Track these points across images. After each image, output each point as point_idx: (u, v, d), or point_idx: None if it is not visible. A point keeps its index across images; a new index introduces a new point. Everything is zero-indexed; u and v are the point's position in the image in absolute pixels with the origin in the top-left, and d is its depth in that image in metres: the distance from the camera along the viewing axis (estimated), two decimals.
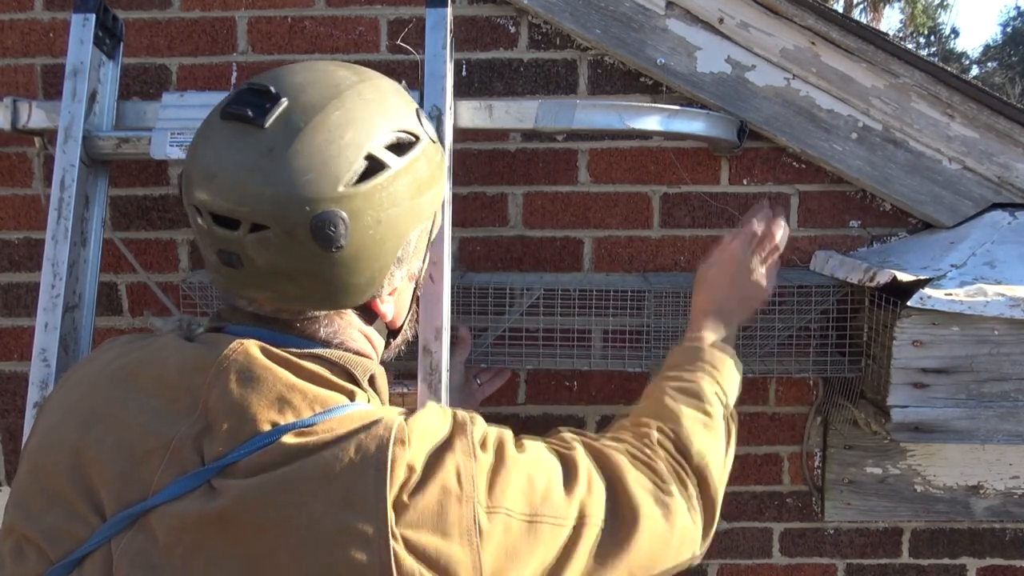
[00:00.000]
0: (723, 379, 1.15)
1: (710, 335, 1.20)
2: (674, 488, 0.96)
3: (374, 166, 0.82)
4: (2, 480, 1.71)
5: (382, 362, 0.96)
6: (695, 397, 1.10)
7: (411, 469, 0.75)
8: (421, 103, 1.26)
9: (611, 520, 0.88)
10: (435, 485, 0.76)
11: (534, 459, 0.87)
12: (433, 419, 0.82)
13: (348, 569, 0.70)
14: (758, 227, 1.24)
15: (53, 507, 0.78)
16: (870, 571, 1.71)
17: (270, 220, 0.77)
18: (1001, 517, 1.66)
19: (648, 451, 0.99)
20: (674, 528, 0.93)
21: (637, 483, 0.93)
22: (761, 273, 1.23)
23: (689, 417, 1.05)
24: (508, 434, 0.87)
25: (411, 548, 0.73)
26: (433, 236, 0.96)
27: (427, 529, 0.74)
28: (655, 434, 1.01)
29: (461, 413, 0.85)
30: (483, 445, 0.83)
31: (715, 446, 1.05)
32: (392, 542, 0.71)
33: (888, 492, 1.66)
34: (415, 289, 0.98)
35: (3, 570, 0.79)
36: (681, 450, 1.01)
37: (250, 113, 0.78)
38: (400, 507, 0.73)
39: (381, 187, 0.82)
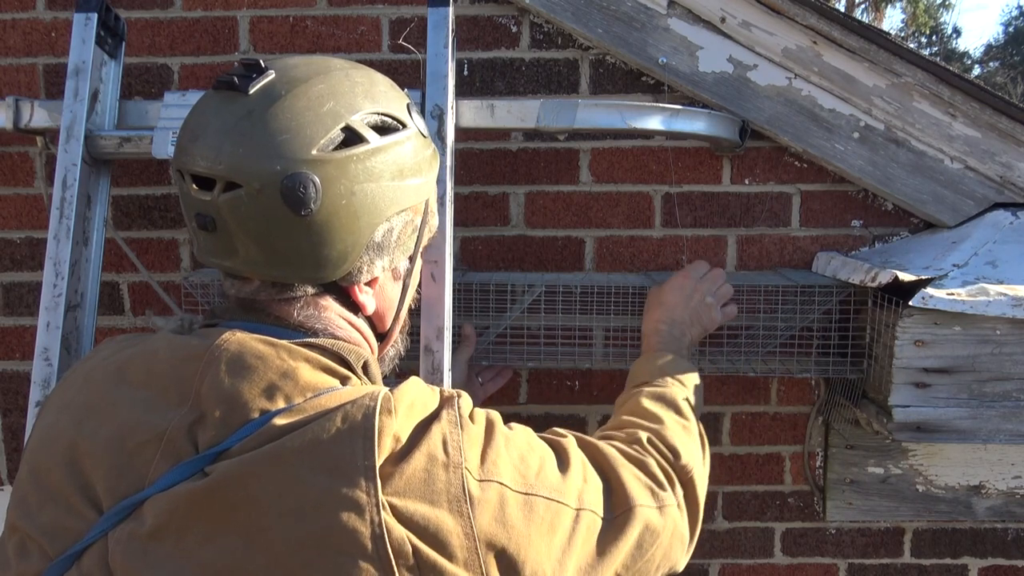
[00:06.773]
0: (689, 389, 1.17)
1: (668, 348, 1.25)
2: (666, 485, 0.97)
3: (352, 138, 0.83)
4: (3, 479, 1.72)
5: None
6: (671, 404, 1.12)
7: (397, 439, 0.76)
8: (423, 102, 1.26)
9: (607, 511, 0.88)
10: (421, 453, 0.76)
11: (525, 440, 0.87)
12: (419, 392, 0.82)
13: (342, 537, 0.70)
14: (704, 264, 1.36)
15: (51, 504, 0.78)
16: (872, 571, 1.71)
17: (242, 178, 0.79)
18: (1003, 517, 1.66)
19: (639, 450, 1.00)
20: (666, 523, 0.94)
21: (631, 475, 0.93)
22: (711, 300, 1.33)
23: (671, 423, 1.07)
24: (497, 415, 0.88)
25: (399, 516, 0.73)
26: (424, 239, 0.96)
27: (414, 497, 0.74)
28: (643, 435, 1.02)
29: (448, 390, 0.86)
30: (471, 417, 0.84)
31: (697, 454, 1.07)
32: (381, 510, 0.71)
33: (890, 492, 1.66)
34: (404, 294, 0.96)
35: (8, 568, 0.79)
36: (668, 454, 1.02)
37: (236, 81, 0.81)
38: (386, 475, 0.73)
39: (357, 159, 0.82)
